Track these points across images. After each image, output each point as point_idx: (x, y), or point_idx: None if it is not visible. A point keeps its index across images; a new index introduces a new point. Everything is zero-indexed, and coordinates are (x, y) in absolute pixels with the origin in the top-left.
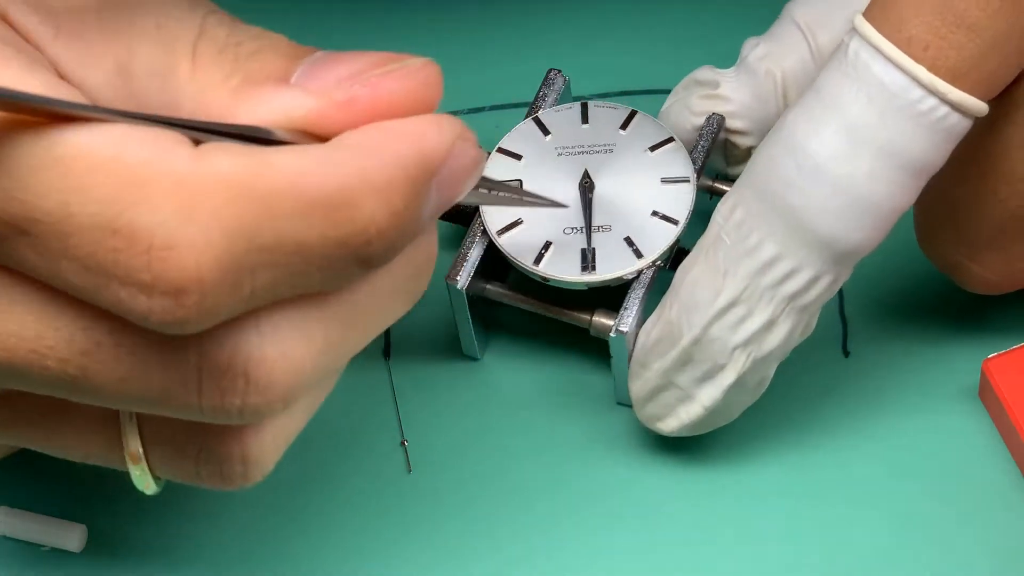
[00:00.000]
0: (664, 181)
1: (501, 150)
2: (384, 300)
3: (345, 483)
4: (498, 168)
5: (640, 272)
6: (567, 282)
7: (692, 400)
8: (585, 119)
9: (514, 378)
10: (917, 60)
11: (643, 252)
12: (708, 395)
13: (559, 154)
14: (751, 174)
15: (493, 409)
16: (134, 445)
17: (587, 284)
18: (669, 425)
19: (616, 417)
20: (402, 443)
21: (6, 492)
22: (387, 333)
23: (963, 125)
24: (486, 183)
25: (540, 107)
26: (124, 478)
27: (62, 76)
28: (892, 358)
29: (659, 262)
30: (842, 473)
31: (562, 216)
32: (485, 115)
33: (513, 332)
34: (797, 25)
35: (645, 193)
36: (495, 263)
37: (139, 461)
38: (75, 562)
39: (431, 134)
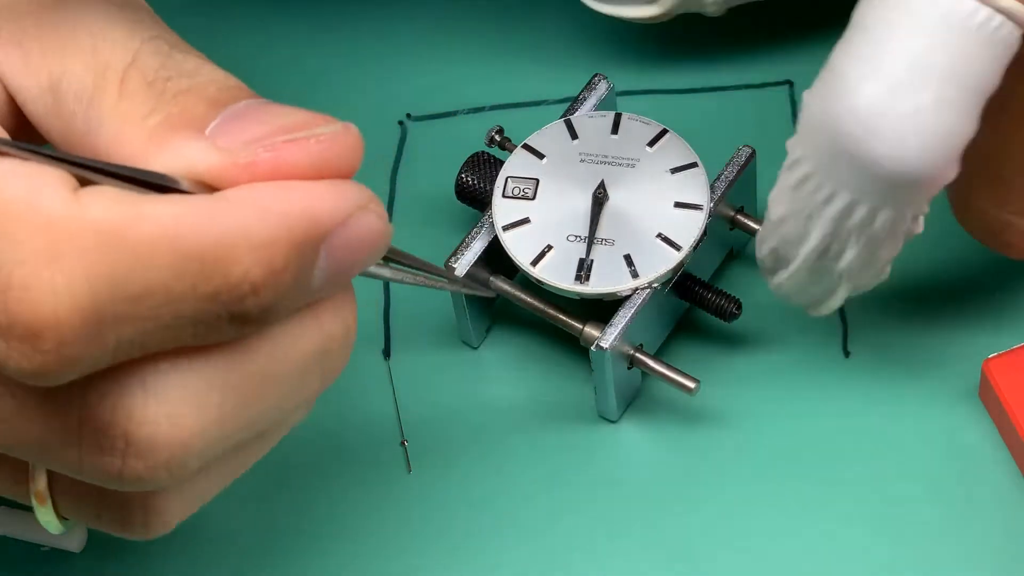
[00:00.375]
0: (677, 205)
1: (526, 146)
2: (291, 372)
3: (345, 483)
4: (519, 164)
5: (633, 291)
6: (559, 289)
7: (829, 298)
8: (615, 130)
9: (515, 378)
10: None
11: (639, 272)
12: (836, 299)
13: (581, 160)
14: (807, 123)
15: (493, 409)
16: (41, 484)
17: (578, 294)
18: (820, 312)
19: (615, 418)
20: (402, 443)
21: None
22: (387, 333)
23: (1014, 37)
24: (400, 257)
25: (577, 109)
26: None
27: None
28: (892, 358)
29: (655, 285)
30: (842, 473)
31: (569, 223)
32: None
33: (516, 327)
34: None
35: (656, 214)
36: (504, 258)
37: (44, 501)
38: (75, 562)
39: (326, 198)
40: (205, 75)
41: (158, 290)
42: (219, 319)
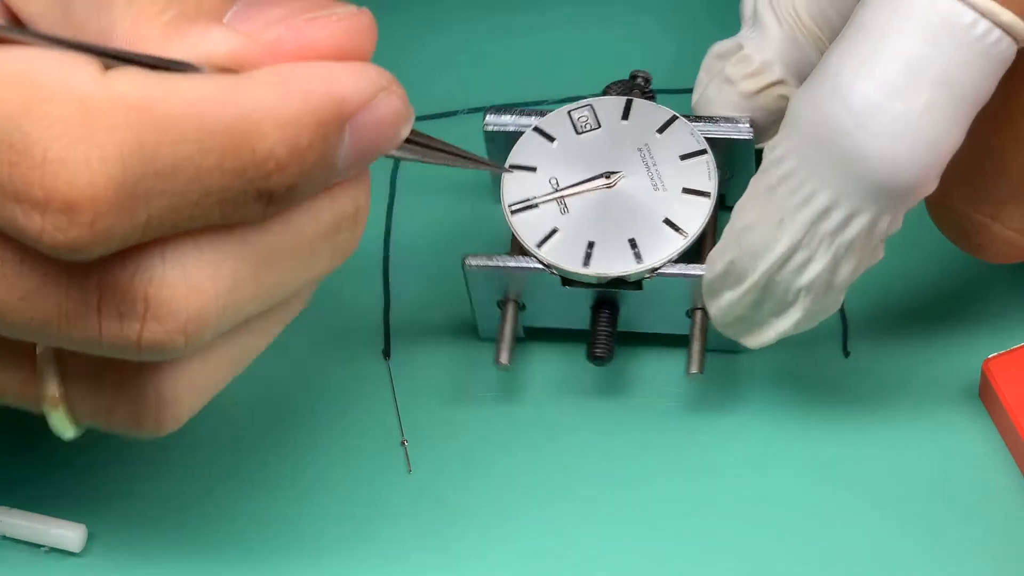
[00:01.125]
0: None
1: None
2: (304, 247)
3: (345, 483)
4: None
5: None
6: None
7: (767, 326)
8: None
9: (515, 378)
10: None
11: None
12: (781, 326)
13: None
14: (796, 120)
15: (493, 409)
16: (52, 388)
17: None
18: (749, 343)
19: (617, 417)
20: (402, 443)
21: (6, 492)
22: (387, 333)
23: (1010, 52)
24: (420, 139)
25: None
26: (124, 478)
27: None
28: (892, 358)
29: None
30: (842, 473)
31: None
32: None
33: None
34: None
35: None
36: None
37: (57, 405)
38: (75, 562)
39: (350, 79)
40: None
41: (187, 165)
42: (245, 196)
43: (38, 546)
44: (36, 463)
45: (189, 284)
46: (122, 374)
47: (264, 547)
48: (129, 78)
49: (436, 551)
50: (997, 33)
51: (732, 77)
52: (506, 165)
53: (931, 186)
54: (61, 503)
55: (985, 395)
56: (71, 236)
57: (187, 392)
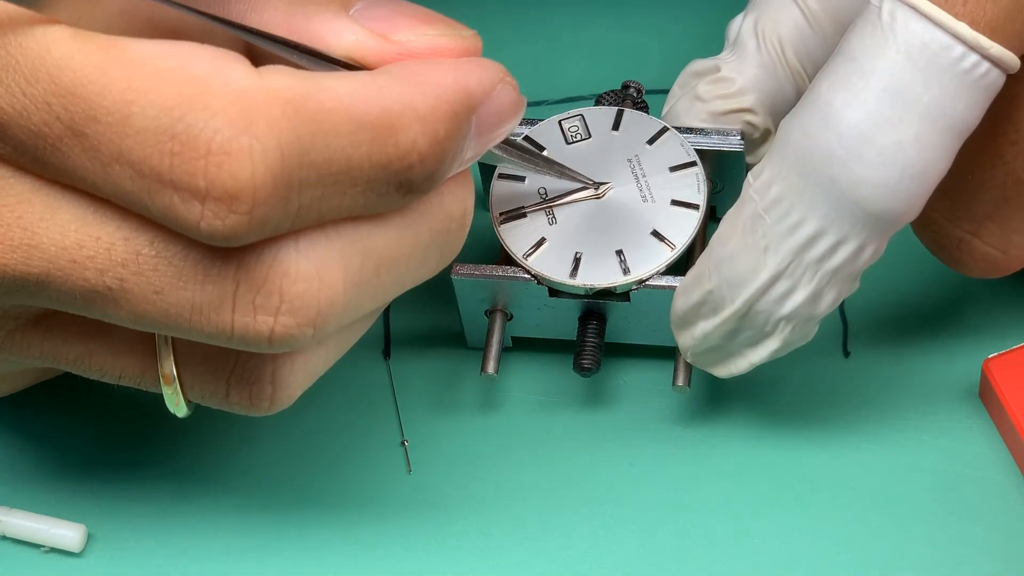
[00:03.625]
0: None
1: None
2: (419, 248)
3: (345, 483)
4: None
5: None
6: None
7: (740, 356)
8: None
9: (501, 387)
10: (957, 16)
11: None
12: (756, 355)
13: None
14: (785, 147)
15: (493, 409)
16: (168, 366)
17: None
18: (719, 372)
19: (617, 418)
20: (402, 443)
21: (6, 492)
22: (387, 333)
23: (999, 83)
24: (520, 146)
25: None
26: (124, 478)
27: None
28: (892, 358)
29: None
30: (842, 473)
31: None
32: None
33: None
34: None
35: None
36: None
37: (172, 382)
38: (75, 562)
39: (474, 71)
40: None
41: (338, 157)
42: (388, 186)
43: (38, 546)
44: (36, 463)
45: (321, 278)
46: (239, 358)
47: (264, 546)
48: (281, 75)
49: (436, 551)
50: (985, 66)
51: (703, 95)
52: (496, 173)
53: (917, 212)
54: (61, 503)
55: (985, 395)
56: (229, 223)
57: (302, 376)
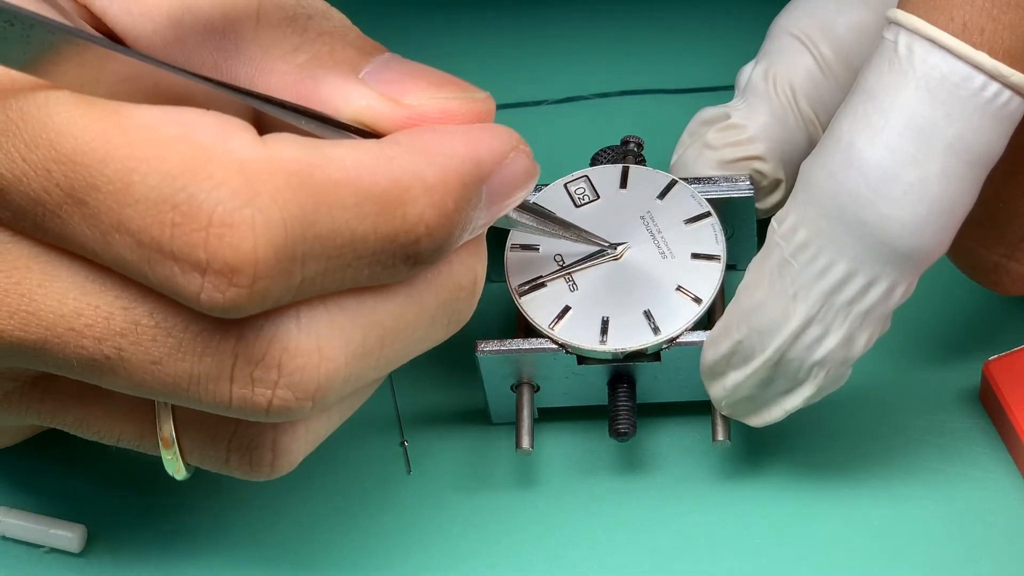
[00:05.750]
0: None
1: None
2: (425, 316)
3: (345, 483)
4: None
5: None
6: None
7: (775, 405)
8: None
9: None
10: (975, 46)
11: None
12: (790, 403)
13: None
14: (809, 190)
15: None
16: (167, 429)
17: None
18: (754, 422)
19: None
20: (402, 443)
21: (6, 492)
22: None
23: (1021, 110)
24: (535, 211)
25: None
26: (124, 478)
27: (104, 22)
28: (892, 358)
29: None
30: (842, 475)
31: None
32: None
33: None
34: (795, 37)
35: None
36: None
37: (171, 446)
38: (75, 562)
39: (485, 139)
40: (338, 19)
41: (343, 229)
42: (394, 259)
43: (38, 546)
44: (36, 463)
45: (321, 352)
46: (240, 425)
47: (264, 546)
48: (286, 144)
49: (436, 551)
50: (1007, 94)
51: (713, 143)
52: (508, 245)
53: (947, 247)
54: (61, 503)
55: (986, 397)
56: (229, 296)
57: (303, 442)
